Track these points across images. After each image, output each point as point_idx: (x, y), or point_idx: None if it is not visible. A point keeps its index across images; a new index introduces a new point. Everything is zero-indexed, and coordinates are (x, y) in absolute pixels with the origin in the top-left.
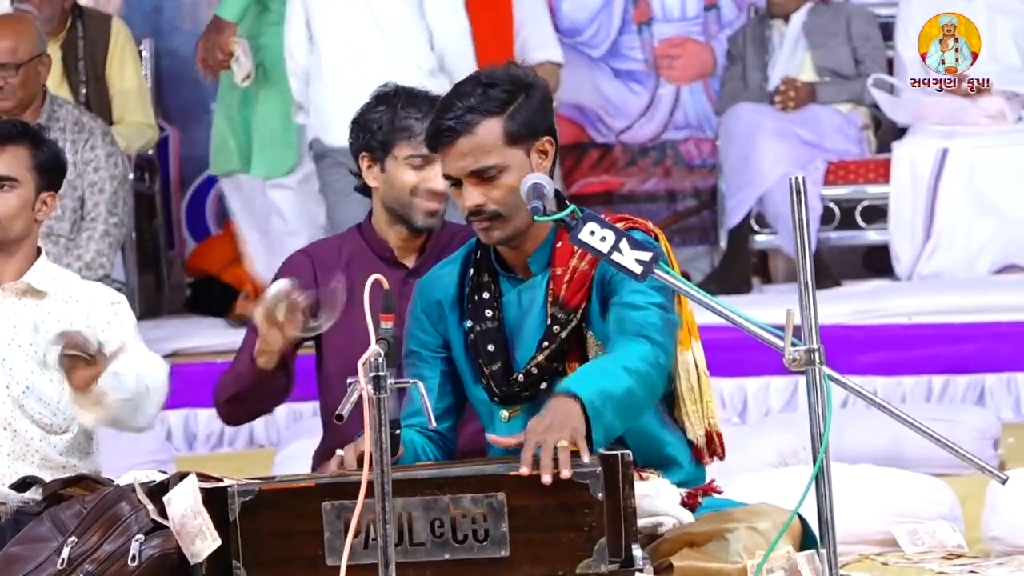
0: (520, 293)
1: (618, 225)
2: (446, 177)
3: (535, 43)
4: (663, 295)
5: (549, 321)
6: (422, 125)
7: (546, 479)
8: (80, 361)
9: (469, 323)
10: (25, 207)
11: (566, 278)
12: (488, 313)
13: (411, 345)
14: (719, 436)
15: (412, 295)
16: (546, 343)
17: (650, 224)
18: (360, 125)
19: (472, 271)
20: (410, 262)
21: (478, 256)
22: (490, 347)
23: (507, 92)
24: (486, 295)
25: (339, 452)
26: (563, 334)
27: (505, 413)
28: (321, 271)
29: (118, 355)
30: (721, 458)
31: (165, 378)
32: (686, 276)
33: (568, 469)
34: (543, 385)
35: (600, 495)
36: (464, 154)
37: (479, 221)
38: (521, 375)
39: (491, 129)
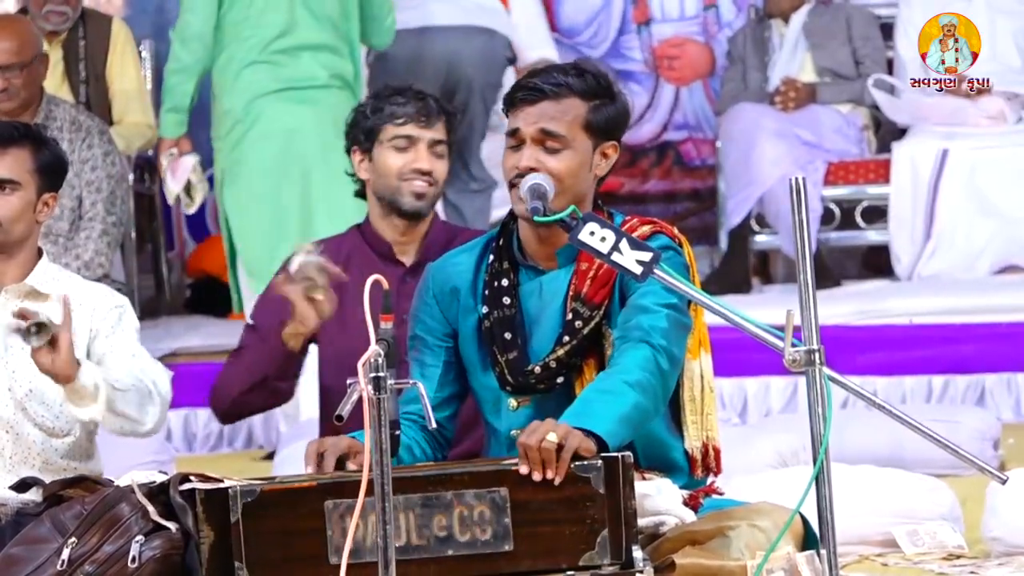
0: (542, 284)
1: (644, 228)
2: (511, 135)
3: (530, 43)
4: (679, 298)
5: (570, 316)
6: (405, 108)
7: (536, 476)
8: (41, 338)
9: (485, 309)
10: (27, 209)
11: (591, 274)
12: (506, 300)
13: (417, 330)
14: (716, 452)
15: (422, 280)
16: (567, 338)
17: (676, 230)
18: (351, 122)
19: (492, 257)
20: (408, 259)
21: (500, 243)
22: (507, 335)
23: (599, 86)
24: (505, 282)
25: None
26: (585, 330)
27: (514, 402)
28: None
29: (67, 323)
30: (716, 474)
31: (168, 384)
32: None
33: (552, 470)
34: (559, 380)
35: (602, 488)
36: (544, 114)
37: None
38: (538, 367)
39: (576, 107)
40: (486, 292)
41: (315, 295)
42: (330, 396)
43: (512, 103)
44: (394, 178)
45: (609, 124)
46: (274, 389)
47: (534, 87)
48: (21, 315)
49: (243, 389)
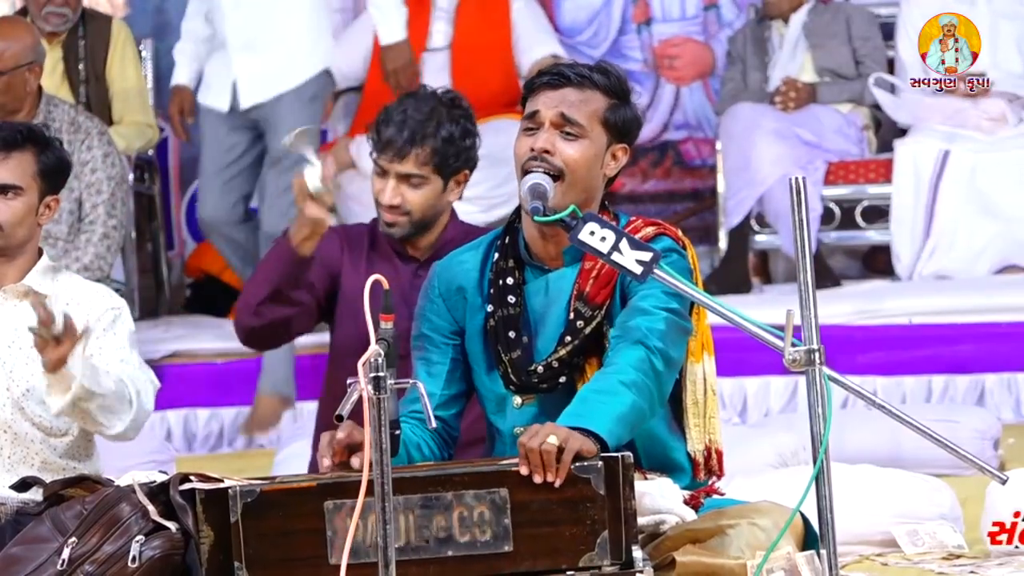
0: (548, 282)
1: (648, 230)
2: (529, 117)
3: (533, 41)
4: (679, 302)
5: (572, 315)
6: (384, 136)
7: (537, 479)
8: (47, 334)
9: (490, 307)
10: (29, 213)
11: (594, 273)
12: (511, 299)
13: (423, 328)
14: (719, 455)
15: (427, 278)
16: (569, 337)
17: (680, 233)
18: None
19: (497, 256)
20: (422, 255)
21: (505, 241)
22: (511, 334)
23: (621, 88)
24: (509, 281)
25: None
26: (587, 330)
27: (518, 400)
28: (349, 248)
29: (85, 336)
30: (719, 477)
31: (151, 396)
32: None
33: (553, 473)
34: (562, 379)
35: (602, 489)
36: (565, 99)
37: (536, 168)
38: (541, 366)
39: (597, 100)
40: (491, 291)
41: (324, 199)
42: (335, 385)
43: (532, 88)
44: (374, 201)
45: (625, 126)
46: (288, 299)
47: (559, 73)
48: (40, 316)
49: (260, 299)
